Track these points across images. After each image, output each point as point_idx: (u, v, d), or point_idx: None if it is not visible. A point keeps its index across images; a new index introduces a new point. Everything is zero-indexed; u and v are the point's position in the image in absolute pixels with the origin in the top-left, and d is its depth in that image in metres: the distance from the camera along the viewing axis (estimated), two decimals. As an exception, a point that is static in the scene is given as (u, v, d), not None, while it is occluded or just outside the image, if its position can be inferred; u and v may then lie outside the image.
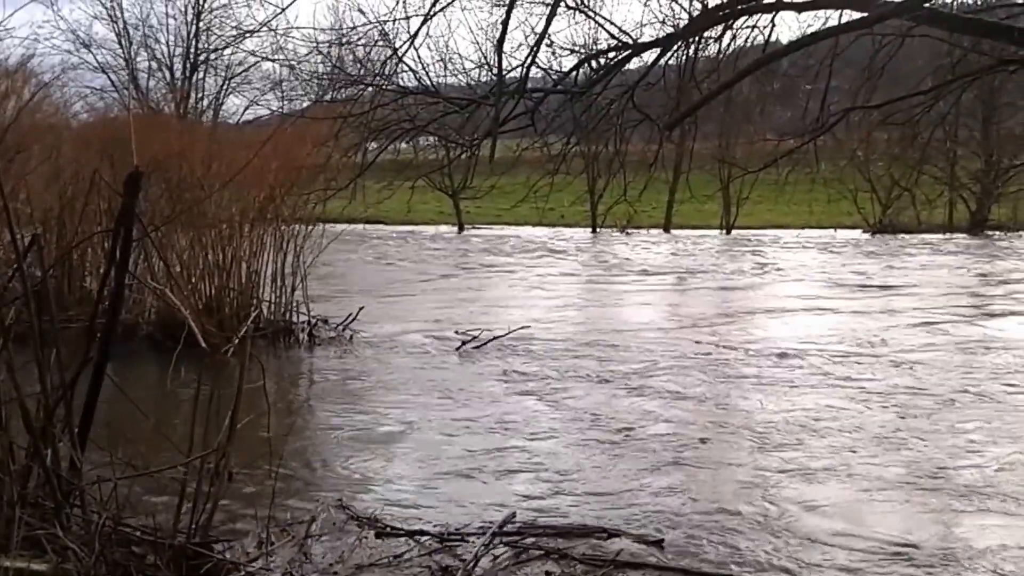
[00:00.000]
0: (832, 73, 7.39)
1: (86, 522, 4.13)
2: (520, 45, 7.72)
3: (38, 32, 29.73)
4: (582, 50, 8.28)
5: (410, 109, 7.93)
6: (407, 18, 7.28)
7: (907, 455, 6.45)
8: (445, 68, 9.74)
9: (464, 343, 10.62)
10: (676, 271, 20.17)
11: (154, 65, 33.82)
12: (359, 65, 8.92)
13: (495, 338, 10.71)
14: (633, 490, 5.76)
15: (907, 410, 7.76)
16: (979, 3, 8.75)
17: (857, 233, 31.94)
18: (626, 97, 7.43)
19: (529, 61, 6.99)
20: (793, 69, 8.76)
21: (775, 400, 8.12)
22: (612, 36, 7.40)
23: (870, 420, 7.42)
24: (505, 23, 6.82)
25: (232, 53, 32.64)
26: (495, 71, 6.98)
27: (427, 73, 8.01)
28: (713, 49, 7.69)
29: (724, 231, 33.30)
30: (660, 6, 7.96)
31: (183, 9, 33.17)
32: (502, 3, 7.30)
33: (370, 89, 8.10)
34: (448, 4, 7.03)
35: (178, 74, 33.62)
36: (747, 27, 7.45)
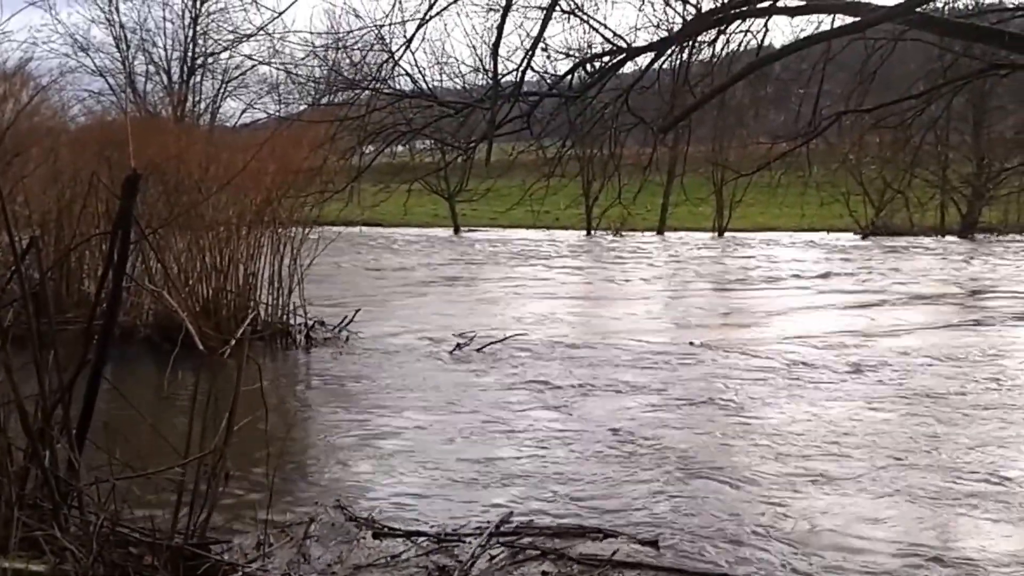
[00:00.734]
0: (825, 77, 7.44)
1: (84, 523, 4.15)
2: (516, 49, 7.76)
3: (36, 35, 29.84)
4: (577, 54, 8.30)
5: (406, 112, 7.97)
6: (403, 22, 7.32)
7: (906, 460, 6.46)
8: (441, 72, 9.79)
9: (460, 345, 10.66)
10: (673, 270, 20.23)
11: (151, 69, 33.92)
12: (355, 69, 8.95)
13: (493, 343, 10.74)
14: (630, 492, 5.78)
15: (905, 414, 7.79)
16: (970, 8, 8.81)
17: (849, 235, 32.03)
18: (621, 101, 7.47)
19: (524, 65, 7.04)
20: (786, 73, 8.83)
21: (773, 403, 8.15)
22: (607, 40, 7.45)
23: (870, 424, 7.43)
24: (500, 27, 6.88)
25: (229, 57, 32.77)
26: (491, 75, 7.03)
27: (423, 77, 8.06)
28: (707, 53, 7.74)
29: (717, 233, 33.37)
30: (654, 10, 7.98)
31: (180, 13, 33.30)
32: (498, 8, 7.35)
33: (366, 93, 8.14)
34: (444, 8, 7.08)
35: (175, 77, 33.70)
36: (740, 31, 7.49)
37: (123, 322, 9.29)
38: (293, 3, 6.52)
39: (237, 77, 33.81)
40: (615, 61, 7.37)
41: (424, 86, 8.09)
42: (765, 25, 7.41)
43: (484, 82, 7.98)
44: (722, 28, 7.42)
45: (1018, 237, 30.13)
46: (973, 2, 9.20)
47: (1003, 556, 4.81)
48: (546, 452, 6.67)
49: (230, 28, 31.75)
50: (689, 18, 7.34)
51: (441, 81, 9.02)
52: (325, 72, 10.26)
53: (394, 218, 29.22)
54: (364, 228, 25.35)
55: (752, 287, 17.60)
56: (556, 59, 8.14)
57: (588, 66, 7.56)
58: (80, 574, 3.87)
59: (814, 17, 7.46)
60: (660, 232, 34.00)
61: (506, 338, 10.94)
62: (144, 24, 33.70)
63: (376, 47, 8.27)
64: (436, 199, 33.23)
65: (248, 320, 8.33)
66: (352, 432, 7.25)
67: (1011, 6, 8.51)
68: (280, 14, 7.01)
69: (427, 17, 7.01)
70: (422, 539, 4.87)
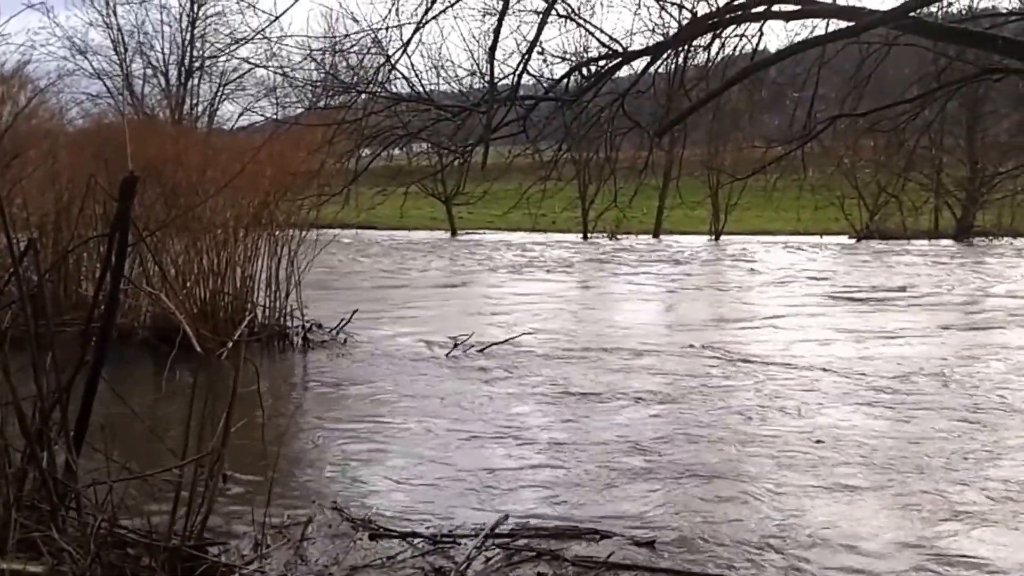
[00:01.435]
0: (819, 81, 7.49)
1: (82, 524, 4.17)
2: (512, 53, 7.78)
3: (34, 38, 29.89)
4: (573, 58, 8.35)
5: (403, 116, 8.00)
6: (400, 26, 7.34)
7: (903, 465, 6.48)
8: (438, 75, 9.83)
9: (457, 346, 10.69)
10: (669, 274, 20.25)
11: (149, 71, 33.95)
12: (352, 72, 8.98)
13: (490, 345, 10.77)
14: (626, 493, 5.81)
15: (902, 419, 7.81)
16: (964, 13, 8.85)
17: (844, 239, 32.09)
18: (616, 104, 7.50)
19: (521, 69, 7.06)
20: (781, 77, 8.89)
21: (771, 406, 8.16)
22: (603, 44, 7.48)
23: (867, 429, 7.43)
24: (497, 31, 6.90)
25: (226, 60, 32.79)
26: (487, 78, 7.05)
27: (420, 80, 8.07)
28: (702, 57, 7.77)
29: (713, 237, 33.42)
30: (650, 15, 8.05)
31: (178, 16, 33.34)
32: (494, 11, 7.38)
33: (363, 96, 8.16)
34: (441, 12, 7.09)
35: (173, 80, 33.72)
36: (735, 36, 7.53)
37: (121, 324, 9.30)
38: (290, 7, 6.53)
39: (234, 80, 33.86)
40: (611, 65, 7.40)
41: (421, 89, 8.12)
42: (760, 29, 7.46)
43: (480, 86, 8.01)
44: (717, 32, 7.45)
45: (1012, 241, 30.20)
46: (967, 7, 9.24)
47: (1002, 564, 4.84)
48: (542, 454, 6.70)
49: (227, 31, 31.75)
50: (684, 22, 7.37)
51: (438, 84, 9.05)
52: (322, 75, 10.29)
53: (391, 221, 29.23)
54: (361, 231, 25.39)
55: (749, 290, 17.63)
56: (552, 63, 8.21)
57: (584, 70, 7.59)
58: (78, 575, 3.88)
59: (809, 21, 7.49)
60: (656, 235, 34.04)
61: (503, 341, 10.97)
62: (142, 27, 33.77)
63: (373, 50, 8.30)
64: (433, 202, 33.27)
65: (245, 322, 8.36)
66: (349, 434, 7.27)
67: (1005, 11, 8.56)
68: (277, 17, 7.02)
69: (423, 21, 7.03)
70: (418, 540, 4.90)
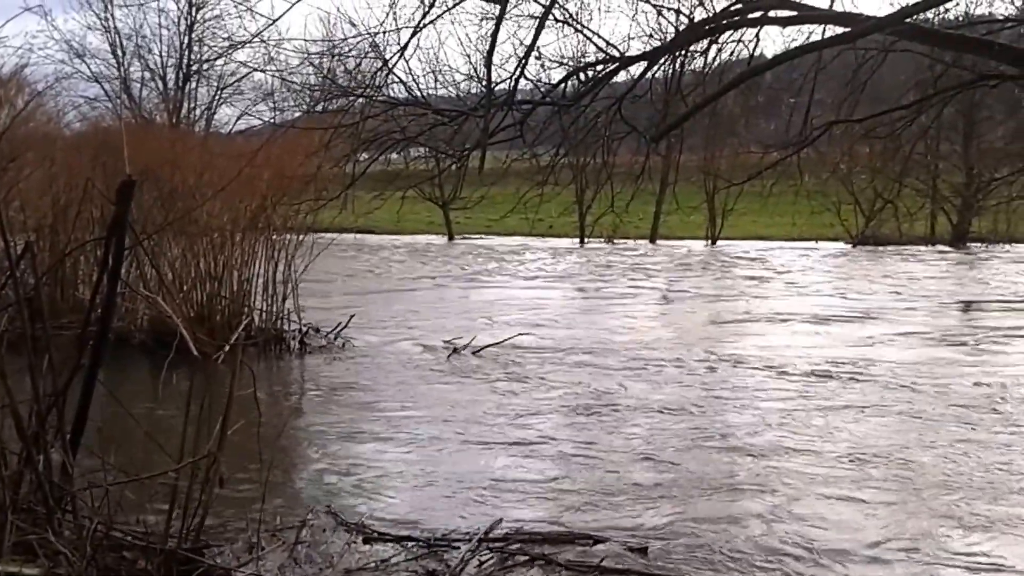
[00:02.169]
0: (815, 87, 7.51)
1: (78, 527, 4.18)
2: (509, 58, 7.82)
3: (32, 42, 29.68)
4: (570, 63, 8.39)
5: (400, 120, 8.02)
6: (397, 30, 7.38)
7: (898, 470, 6.49)
8: (435, 80, 9.80)
9: (455, 350, 10.70)
10: (666, 279, 20.28)
11: (147, 75, 33.89)
12: (350, 76, 9.00)
13: (485, 347, 10.78)
14: (620, 499, 5.81)
15: (897, 425, 7.82)
16: (960, 19, 8.89)
17: (840, 245, 32.15)
18: (613, 109, 7.53)
19: (518, 73, 7.10)
20: (777, 83, 8.92)
21: (766, 412, 8.17)
22: (600, 49, 7.51)
23: (862, 435, 7.44)
24: (494, 36, 6.94)
25: (224, 64, 32.74)
26: (484, 83, 7.08)
27: (417, 85, 8.10)
28: (699, 63, 7.82)
29: (709, 242, 33.47)
30: (647, 20, 8.09)
31: (176, 20, 33.27)
32: (491, 16, 7.40)
33: (361, 100, 8.18)
34: (438, 17, 7.13)
35: (171, 84, 33.69)
36: (732, 41, 7.58)
37: (117, 327, 9.30)
38: (288, 11, 6.57)
39: (232, 84, 33.80)
40: (608, 70, 7.43)
41: (418, 94, 8.14)
42: (756, 35, 7.50)
43: (478, 90, 8.03)
44: (714, 38, 7.49)
45: (1008, 247, 30.26)
46: (963, 13, 9.28)
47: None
48: (537, 458, 6.70)
49: (225, 35, 31.74)
50: (681, 28, 7.41)
51: (435, 89, 9.05)
52: (319, 80, 10.32)
53: (388, 225, 29.23)
54: (358, 235, 25.39)
55: (744, 295, 17.64)
56: (550, 68, 8.24)
57: (581, 75, 7.63)
58: (73, 578, 3.89)
59: (805, 27, 7.54)
60: (652, 240, 34.05)
61: (500, 342, 10.97)
62: (140, 31, 33.76)
63: (370, 55, 8.32)
64: (430, 207, 33.26)
65: (242, 326, 8.35)
66: (344, 437, 7.28)
67: (1000, 17, 8.60)
68: (274, 21, 7.07)
69: (421, 25, 7.07)
70: (412, 544, 4.91)
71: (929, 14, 7.93)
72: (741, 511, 5.60)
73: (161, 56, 33.59)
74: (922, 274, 21.87)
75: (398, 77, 7.92)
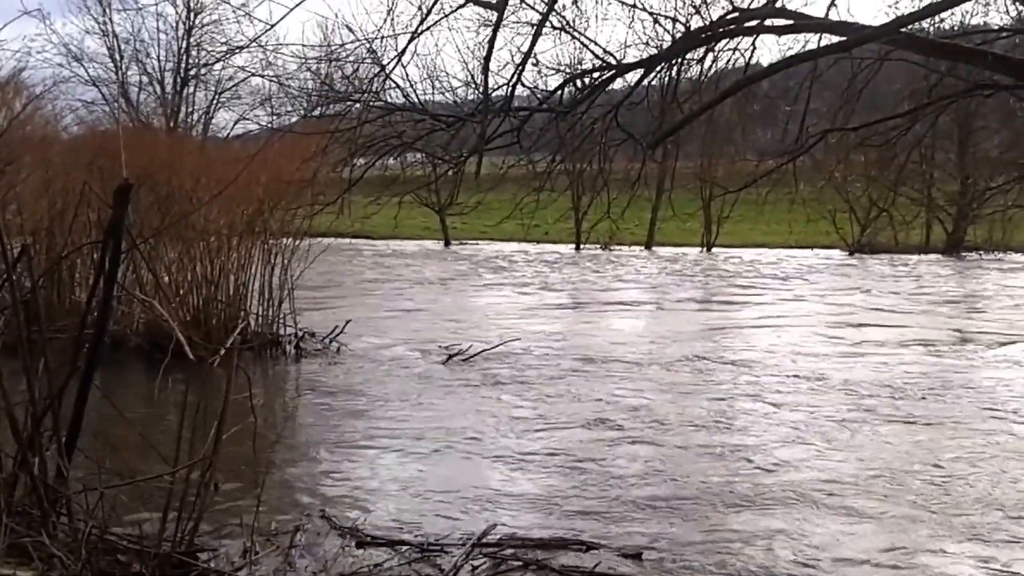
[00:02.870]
0: (811, 95, 7.56)
1: (72, 530, 4.19)
2: (506, 64, 7.86)
3: (30, 45, 29.71)
4: (567, 70, 8.42)
5: (397, 126, 8.04)
6: (395, 36, 7.40)
7: (891, 479, 6.50)
8: (432, 86, 9.87)
9: (450, 356, 10.71)
10: (661, 285, 20.30)
11: (145, 79, 33.97)
12: (347, 82, 9.03)
13: (481, 352, 10.79)
14: (615, 505, 5.82)
15: (891, 433, 7.83)
16: (955, 28, 8.95)
17: (835, 252, 32.25)
18: (610, 116, 7.56)
19: (515, 80, 7.12)
20: (773, 91, 8.96)
21: (761, 420, 8.18)
22: (596, 57, 7.54)
23: (856, 443, 7.46)
24: (491, 42, 6.95)
25: (222, 68, 32.81)
26: (481, 89, 7.10)
27: (414, 90, 8.13)
28: (695, 71, 7.86)
29: (705, 249, 33.54)
30: (644, 28, 8.11)
31: (174, 25, 33.35)
32: (489, 23, 7.42)
33: (358, 105, 8.21)
34: (435, 23, 7.15)
35: (168, 88, 33.75)
36: (728, 50, 7.61)
37: (113, 331, 9.31)
38: (285, 16, 6.58)
39: (230, 88, 33.86)
40: (605, 77, 7.46)
41: (415, 99, 8.17)
42: (752, 44, 7.54)
43: (475, 96, 8.05)
44: (710, 46, 7.53)
45: (1003, 256, 30.37)
46: (958, 23, 9.36)
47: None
48: (531, 464, 6.71)
49: (223, 40, 31.77)
50: (678, 36, 7.45)
51: (432, 95, 9.10)
52: (317, 85, 10.34)
53: (385, 230, 29.30)
54: (354, 240, 25.42)
55: (740, 303, 17.67)
56: (546, 74, 8.26)
57: (578, 82, 7.65)
58: (67, 581, 3.89)
59: (801, 36, 7.57)
60: (648, 247, 34.12)
61: (494, 347, 10.99)
62: (138, 35, 33.82)
63: (368, 60, 8.34)
64: (427, 212, 33.26)
65: (238, 330, 8.35)
66: (339, 442, 7.29)
67: (995, 27, 8.65)
68: (272, 26, 7.07)
69: (418, 31, 7.09)
70: (405, 548, 4.91)
71: (924, 24, 7.99)
72: (736, 520, 5.60)
73: (159, 60, 33.68)
74: (915, 282, 21.92)
75: (395, 83, 7.96)
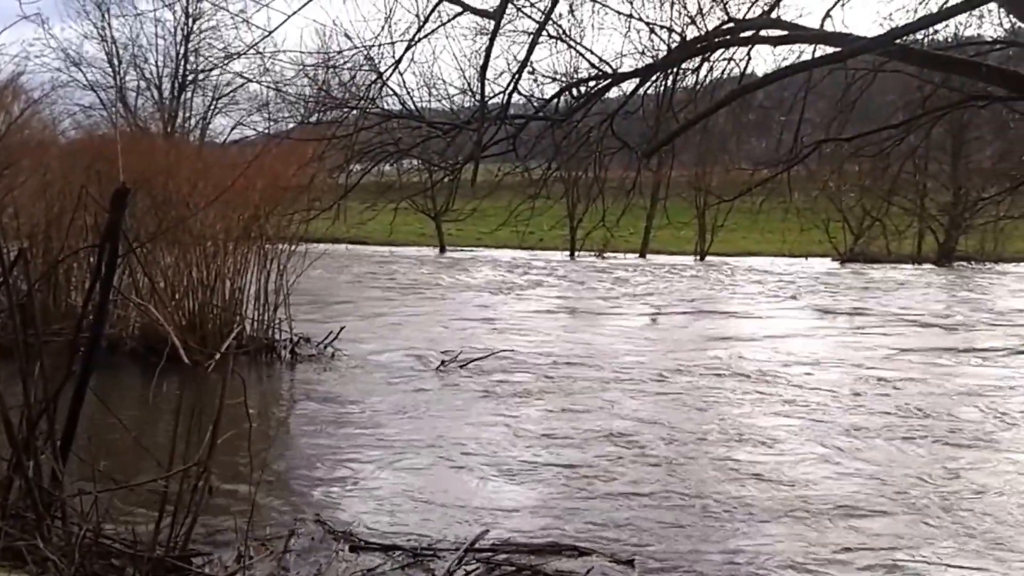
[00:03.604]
0: (806, 106, 7.58)
1: (67, 534, 4.19)
2: (503, 72, 7.87)
3: (29, 50, 29.85)
4: (563, 78, 8.42)
5: (394, 132, 8.06)
6: (392, 43, 7.43)
7: (888, 486, 6.53)
8: (429, 93, 9.88)
9: (444, 362, 10.73)
10: (655, 293, 20.33)
11: (143, 84, 34.03)
12: (344, 88, 9.04)
13: (475, 359, 10.81)
14: (608, 511, 5.84)
15: (887, 441, 7.86)
16: (949, 40, 8.99)
17: (828, 261, 32.36)
18: (605, 125, 7.59)
19: (511, 88, 7.14)
20: (768, 101, 9.01)
21: (755, 427, 8.20)
22: (592, 66, 7.57)
23: (851, 450, 7.48)
24: (488, 51, 6.98)
25: (220, 74, 32.86)
26: (478, 97, 7.12)
27: (411, 97, 8.14)
28: (690, 80, 7.88)
29: (699, 257, 33.62)
30: (639, 38, 8.12)
31: (172, 30, 33.39)
32: (486, 31, 7.45)
33: (355, 112, 8.22)
34: (433, 31, 7.18)
35: (166, 93, 33.79)
36: (723, 59, 7.64)
37: (109, 335, 9.32)
38: (283, 23, 6.61)
39: (227, 94, 33.94)
40: (600, 86, 7.49)
41: (412, 106, 8.18)
42: (748, 54, 7.57)
43: (471, 104, 8.08)
44: (706, 56, 7.56)
45: (994, 266, 30.50)
46: (952, 35, 9.40)
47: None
48: (525, 470, 6.73)
49: (221, 46, 31.81)
50: (674, 46, 7.47)
51: (429, 102, 9.10)
52: (314, 91, 10.36)
53: (380, 236, 29.25)
54: (350, 246, 25.43)
55: (736, 311, 17.72)
56: (543, 83, 8.27)
57: (574, 90, 7.68)
58: (62, 584, 3.90)
59: (796, 47, 7.60)
60: (643, 255, 34.21)
61: (489, 355, 11.01)
62: (136, 40, 33.82)
63: (365, 67, 8.37)
64: (422, 218, 33.32)
65: (233, 335, 8.36)
66: (334, 447, 7.30)
67: (989, 39, 8.71)
68: (270, 33, 7.10)
69: (415, 39, 7.11)
70: (399, 553, 4.93)
71: (919, 35, 8.03)
72: (730, 528, 5.62)
73: (157, 66, 33.74)
74: (907, 292, 21.98)
75: (392, 90, 7.97)
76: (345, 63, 8.72)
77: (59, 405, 4.36)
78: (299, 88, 12.65)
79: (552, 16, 7.39)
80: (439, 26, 7.16)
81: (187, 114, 34.15)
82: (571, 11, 8.04)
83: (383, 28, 7.37)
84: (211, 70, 32.73)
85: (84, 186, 8.19)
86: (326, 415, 8.47)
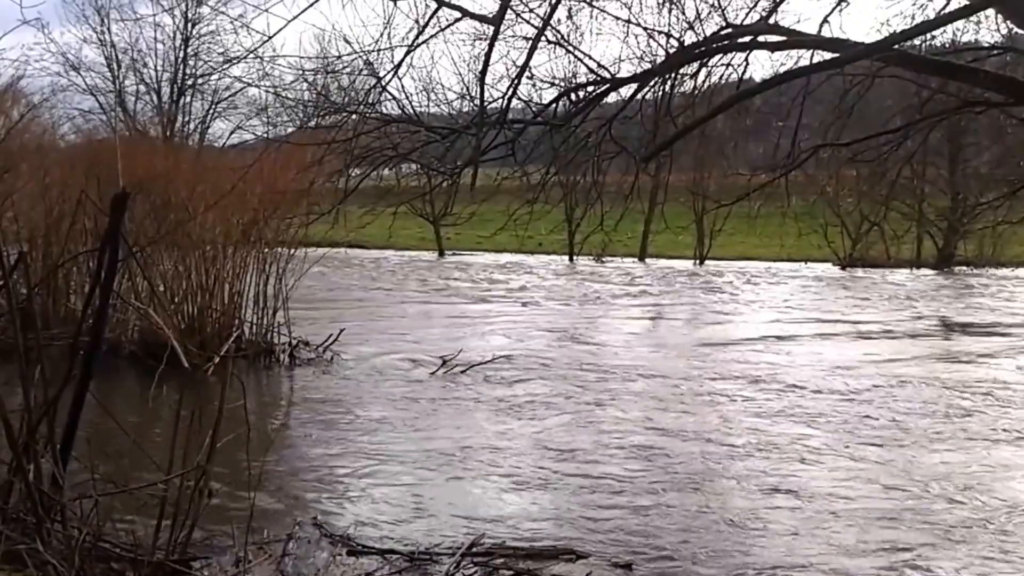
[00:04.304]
0: (803, 111, 7.60)
1: (67, 538, 4.20)
2: (502, 77, 7.87)
3: (28, 54, 29.78)
4: (562, 83, 8.43)
5: (393, 137, 8.07)
6: (391, 49, 7.43)
7: (885, 488, 6.56)
8: (428, 98, 9.90)
9: (444, 362, 10.74)
10: (653, 297, 20.35)
11: (142, 88, 34.08)
12: (343, 93, 9.07)
13: (475, 365, 10.82)
14: (606, 516, 5.86)
15: (883, 442, 7.89)
16: (947, 46, 9.01)
17: (827, 266, 32.38)
18: (604, 130, 7.61)
19: (510, 93, 7.15)
20: (766, 106, 9.02)
21: (753, 432, 8.21)
22: (591, 71, 7.58)
23: (849, 453, 7.51)
24: (487, 56, 6.98)
25: (219, 78, 32.94)
26: (477, 102, 7.14)
27: (410, 102, 8.15)
28: (689, 85, 7.89)
29: (697, 262, 33.64)
30: (638, 43, 8.12)
31: (172, 35, 33.44)
32: (484, 37, 7.47)
33: (354, 117, 8.24)
34: (432, 36, 7.18)
35: (165, 98, 33.84)
36: (722, 65, 7.66)
37: (109, 338, 9.33)
38: (283, 28, 6.62)
39: (226, 98, 34.02)
40: (599, 91, 7.51)
41: (411, 111, 8.20)
42: (746, 59, 7.59)
43: (470, 109, 8.08)
44: (704, 61, 7.58)
45: (993, 271, 30.55)
46: (950, 40, 9.42)
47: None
48: (523, 474, 6.74)
49: (220, 50, 31.95)
50: (672, 51, 7.49)
51: (428, 107, 9.11)
52: (313, 96, 10.37)
53: (379, 241, 29.28)
54: (349, 250, 25.42)
55: (731, 315, 17.74)
56: (541, 88, 8.26)
57: (573, 95, 7.69)
58: (61, 587, 3.91)
59: (794, 52, 7.62)
60: (641, 259, 34.23)
61: (488, 360, 11.02)
62: (135, 45, 33.88)
63: (364, 72, 8.38)
64: (421, 222, 33.33)
65: (232, 338, 8.39)
66: (332, 451, 7.31)
67: (987, 45, 8.72)
68: (270, 38, 7.07)
69: (415, 44, 7.12)
70: (396, 557, 4.95)
71: (916, 41, 8.04)
72: (728, 532, 5.64)
73: (156, 70, 33.79)
74: (906, 296, 22.00)
75: (391, 94, 7.97)
76: (344, 68, 8.74)
77: (59, 409, 4.38)
78: (298, 93, 12.64)
79: (551, 22, 7.41)
80: (438, 31, 7.15)
81: (186, 118, 34.24)
82: (570, 16, 8.05)
83: (382, 33, 7.37)
84: (210, 74, 32.86)
85: (84, 190, 8.20)
86: (325, 419, 8.48)
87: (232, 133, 33.95)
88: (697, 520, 5.80)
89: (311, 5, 6.32)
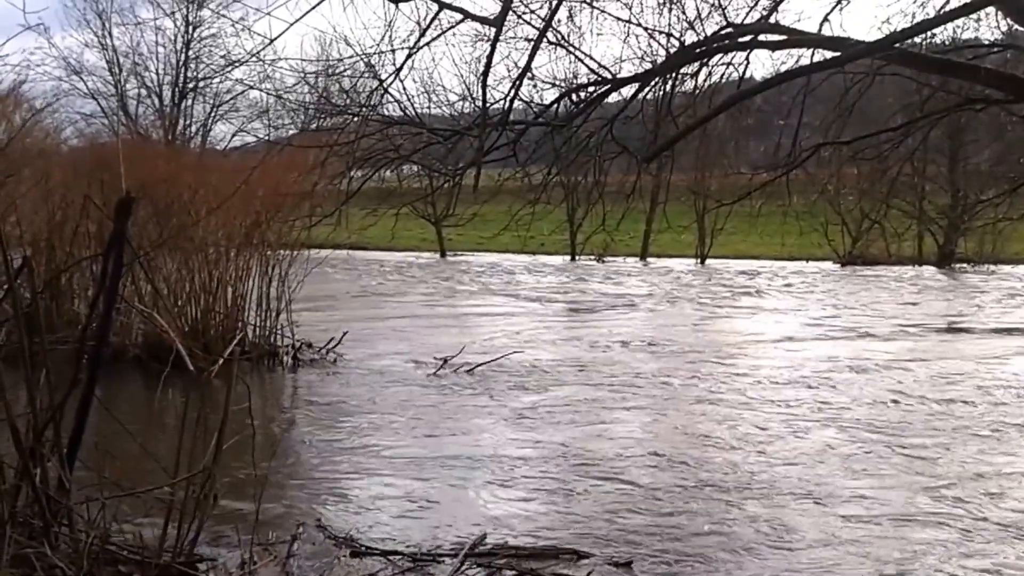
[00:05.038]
0: (804, 109, 7.64)
1: (74, 541, 4.23)
2: (503, 78, 7.91)
3: (30, 58, 29.82)
4: (563, 84, 8.47)
5: (395, 139, 8.10)
6: (393, 51, 7.47)
7: (885, 482, 6.56)
8: (429, 99, 9.93)
9: (444, 363, 10.76)
10: (656, 297, 20.35)
11: (143, 92, 34.17)
12: (345, 95, 9.10)
13: (477, 365, 10.83)
14: (606, 514, 5.86)
15: (881, 439, 7.89)
16: (947, 44, 9.02)
17: (828, 264, 32.38)
18: (605, 130, 7.65)
19: (512, 94, 7.19)
20: (767, 105, 9.07)
21: (753, 430, 8.21)
22: (592, 71, 7.63)
23: (848, 449, 7.52)
24: (489, 57, 7.02)
25: (220, 81, 33.02)
26: (479, 103, 7.17)
27: (412, 104, 8.19)
28: (690, 85, 7.94)
29: (699, 261, 33.66)
30: (639, 43, 8.16)
31: (173, 38, 33.53)
32: (486, 38, 7.50)
33: (356, 119, 8.27)
34: (434, 39, 7.22)
35: (167, 101, 33.92)
36: (722, 64, 7.71)
37: (113, 342, 9.35)
38: (285, 31, 6.65)
39: (228, 101, 34.10)
40: (600, 91, 7.54)
41: (413, 113, 8.23)
42: (746, 59, 7.63)
43: (472, 110, 8.12)
44: (705, 61, 7.62)
45: (993, 268, 30.55)
46: (950, 38, 9.43)
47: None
48: (524, 474, 6.75)
49: (222, 53, 32.03)
50: (672, 51, 7.52)
51: (429, 108, 9.15)
52: (315, 98, 10.41)
53: (382, 242, 29.32)
54: (352, 252, 25.45)
55: (734, 314, 17.74)
56: (543, 89, 8.30)
57: (574, 96, 7.73)
58: (69, 590, 3.93)
59: (794, 51, 7.65)
60: (643, 258, 34.24)
61: (490, 361, 11.03)
62: (137, 48, 33.96)
63: (366, 74, 8.42)
64: (423, 224, 33.36)
65: (236, 341, 8.40)
66: (336, 452, 7.33)
67: (987, 43, 8.74)
68: (272, 41, 7.12)
69: (417, 47, 7.16)
70: (399, 558, 4.96)
71: (917, 39, 8.06)
72: (728, 532, 5.63)
73: (157, 73, 33.87)
74: (907, 294, 21.99)
75: (393, 96, 8.02)
76: (346, 70, 8.78)
77: (65, 413, 4.39)
78: (300, 95, 12.69)
79: (552, 23, 7.44)
80: (440, 34, 7.21)
81: (188, 121, 34.32)
82: (570, 17, 8.08)
83: (384, 36, 7.42)
84: (212, 77, 32.92)
85: (87, 195, 8.23)
86: (328, 420, 8.50)
87: (234, 136, 34.04)
88: (697, 522, 5.80)
89: (313, 8, 6.36)
